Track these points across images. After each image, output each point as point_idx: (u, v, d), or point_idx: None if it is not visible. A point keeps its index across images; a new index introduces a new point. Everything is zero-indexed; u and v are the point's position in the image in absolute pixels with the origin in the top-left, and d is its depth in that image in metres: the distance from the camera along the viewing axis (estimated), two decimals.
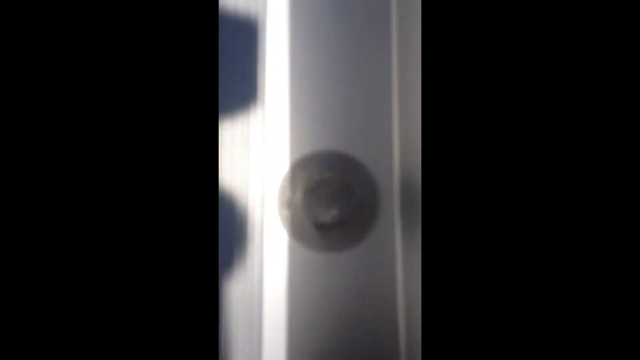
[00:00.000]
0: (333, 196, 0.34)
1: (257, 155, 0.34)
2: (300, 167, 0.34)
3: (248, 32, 0.35)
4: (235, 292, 0.32)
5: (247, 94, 0.35)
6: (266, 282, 0.33)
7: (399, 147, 0.35)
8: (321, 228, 0.34)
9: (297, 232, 0.34)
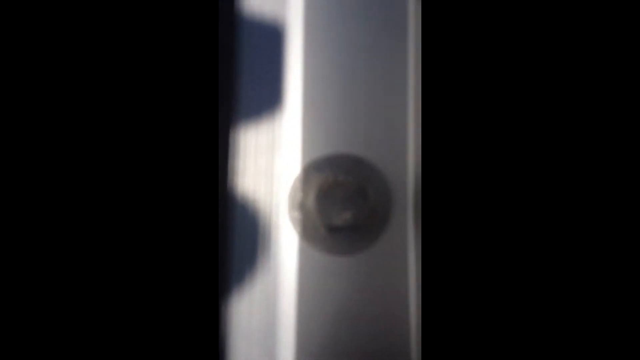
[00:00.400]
0: (347, 199, 0.34)
1: (272, 157, 0.35)
2: (314, 169, 0.35)
3: (267, 37, 0.36)
4: (246, 294, 0.33)
5: (264, 97, 0.35)
6: (277, 284, 0.33)
7: (414, 151, 0.35)
8: (334, 231, 0.34)
9: (308, 234, 0.34)
